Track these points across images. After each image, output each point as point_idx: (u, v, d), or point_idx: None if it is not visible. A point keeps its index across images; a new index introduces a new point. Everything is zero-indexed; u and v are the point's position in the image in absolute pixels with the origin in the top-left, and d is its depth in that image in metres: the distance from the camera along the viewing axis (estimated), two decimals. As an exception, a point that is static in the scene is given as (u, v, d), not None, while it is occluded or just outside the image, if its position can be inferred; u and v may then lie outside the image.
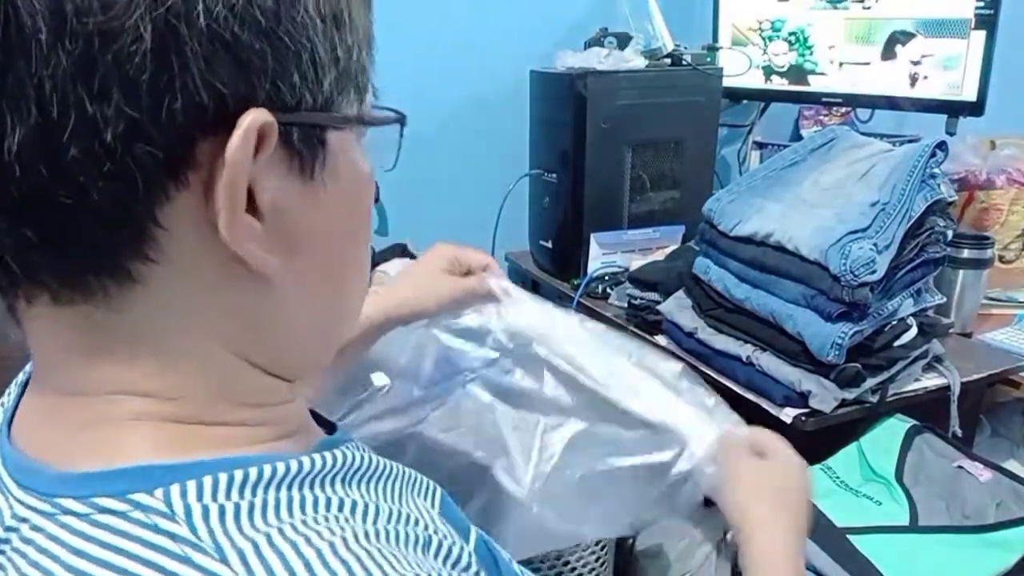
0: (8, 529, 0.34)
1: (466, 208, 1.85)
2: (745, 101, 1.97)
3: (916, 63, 1.59)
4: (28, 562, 0.32)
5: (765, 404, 1.15)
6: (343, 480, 0.38)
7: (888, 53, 1.63)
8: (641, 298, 1.44)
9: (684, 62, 1.67)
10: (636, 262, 1.57)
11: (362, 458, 0.40)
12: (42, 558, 0.32)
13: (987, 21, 1.46)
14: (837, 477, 1.11)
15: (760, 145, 1.97)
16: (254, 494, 0.33)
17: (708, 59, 1.72)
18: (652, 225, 1.69)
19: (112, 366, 0.35)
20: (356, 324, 0.46)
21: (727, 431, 0.72)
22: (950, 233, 1.15)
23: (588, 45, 1.70)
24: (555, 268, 1.78)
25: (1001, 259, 1.66)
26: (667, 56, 1.68)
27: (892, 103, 1.66)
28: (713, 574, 1.54)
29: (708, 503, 0.71)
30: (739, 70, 1.83)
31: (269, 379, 0.39)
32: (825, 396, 1.08)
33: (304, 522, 0.33)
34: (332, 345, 0.44)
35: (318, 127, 0.35)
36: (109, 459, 0.33)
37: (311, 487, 0.35)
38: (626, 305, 1.49)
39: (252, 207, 0.33)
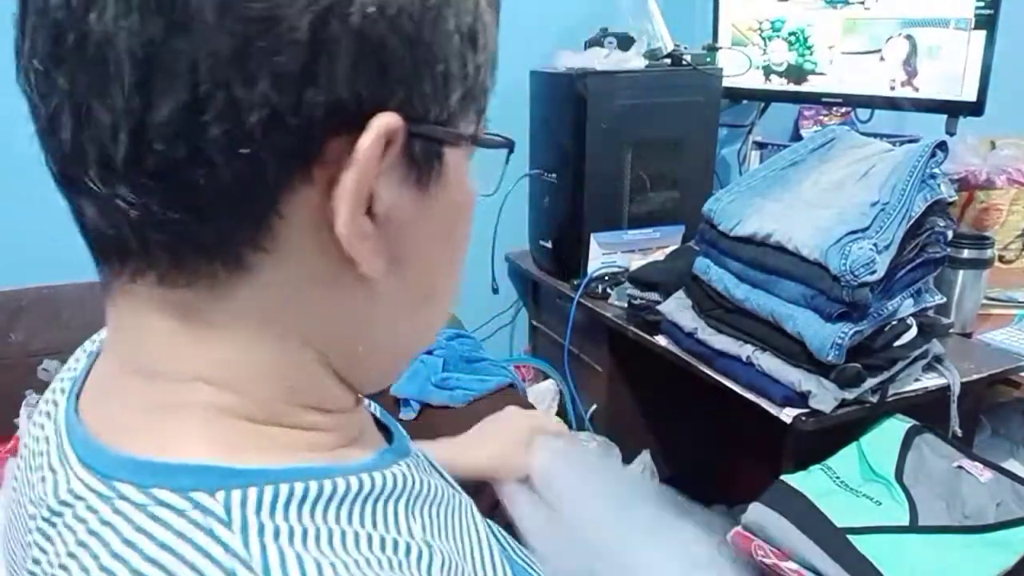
0: (63, 503, 0.34)
1: (466, 208, 1.85)
2: (745, 101, 1.97)
3: (915, 63, 1.59)
4: (76, 541, 0.32)
5: (765, 404, 1.15)
6: (403, 503, 0.38)
7: (888, 53, 1.63)
8: (641, 298, 1.44)
9: (684, 62, 1.67)
10: (636, 262, 1.57)
11: (421, 481, 0.41)
12: (91, 540, 0.32)
13: (987, 21, 1.46)
14: (837, 477, 1.11)
15: (760, 145, 1.98)
16: (312, 515, 0.33)
17: (708, 59, 1.72)
18: (652, 225, 1.69)
19: (194, 352, 0.35)
20: (431, 341, 0.46)
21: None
22: (950, 233, 1.15)
23: (588, 45, 1.70)
24: (555, 268, 1.78)
25: (1001, 259, 1.66)
26: (667, 56, 1.68)
27: (892, 103, 1.66)
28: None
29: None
30: (739, 70, 1.83)
31: (341, 387, 0.40)
32: (825, 396, 1.08)
33: (357, 562, 0.32)
34: (407, 361, 0.45)
35: (439, 141, 0.35)
36: (171, 449, 0.33)
37: (361, 514, 0.35)
38: (626, 305, 1.49)
39: (368, 209, 0.33)
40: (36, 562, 0.34)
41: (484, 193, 0.43)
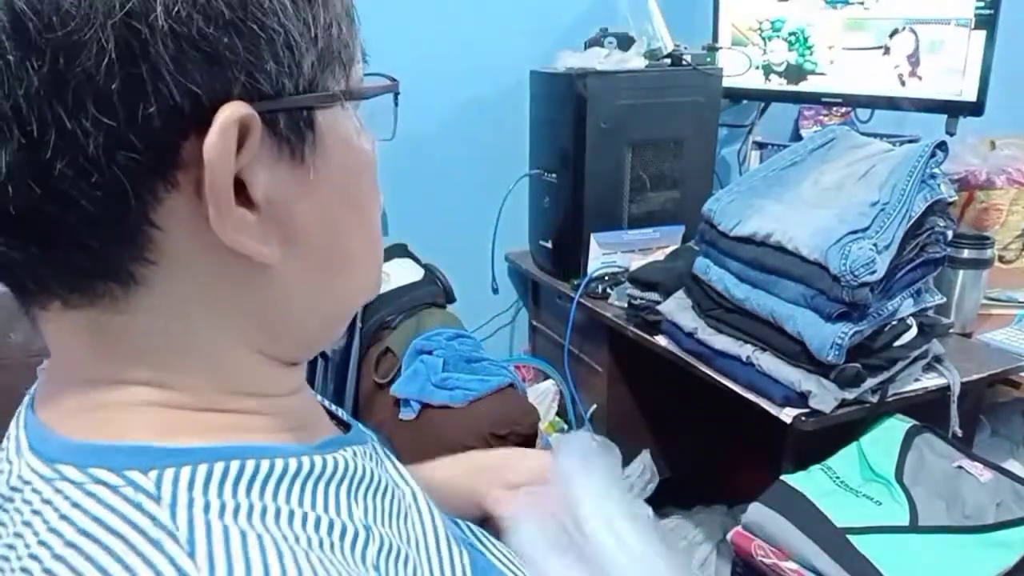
0: (13, 489, 0.35)
1: (466, 208, 1.85)
2: (745, 101, 1.97)
3: (915, 63, 1.59)
4: (22, 521, 0.33)
5: (765, 404, 1.15)
6: (344, 487, 0.38)
7: (887, 53, 1.63)
8: (641, 298, 1.44)
9: (684, 62, 1.67)
10: (636, 262, 1.57)
11: (365, 468, 0.41)
12: (34, 519, 0.33)
13: (987, 21, 1.46)
14: (837, 477, 1.11)
15: (760, 145, 1.98)
16: (248, 491, 0.34)
17: (708, 59, 1.72)
18: (652, 225, 1.69)
19: (117, 362, 0.36)
20: (373, 293, 0.45)
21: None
22: (950, 233, 1.15)
23: (588, 45, 1.70)
24: (555, 268, 1.78)
25: (1001, 259, 1.66)
26: (667, 56, 1.68)
27: (892, 103, 1.66)
28: (713, 574, 1.54)
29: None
30: (739, 70, 1.83)
31: (275, 368, 0.39)
32: (825, 396, 1.08)
33: (285, 538, 0.33)
34: (339, 325, 0.44)
35: (303, 110, 0.34)
36: (110, 433, 0.35)
37: (300, 494, 0.36)
38: (626, 305, 1.49)
39: (246, 200, 0.33)
40: None
41: (382, 138, 0.41)
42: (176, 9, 0.29)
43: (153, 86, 0.29)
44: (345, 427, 0.48)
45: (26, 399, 0.42)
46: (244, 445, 0.36)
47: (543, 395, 1.83)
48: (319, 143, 0.36)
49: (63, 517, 0.32)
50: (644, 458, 1.68)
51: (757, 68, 1.86)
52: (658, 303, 1.37)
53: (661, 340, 1.38)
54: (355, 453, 0.41)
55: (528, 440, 1.53)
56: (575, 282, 1.65)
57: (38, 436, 0.37)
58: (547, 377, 1.90)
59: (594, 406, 1.73)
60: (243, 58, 0.31)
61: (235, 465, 0.34)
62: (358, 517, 0.37)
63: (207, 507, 0.32)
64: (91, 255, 0.32)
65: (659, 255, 1.60)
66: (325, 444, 0.40)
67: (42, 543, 0.32)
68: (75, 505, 0.32)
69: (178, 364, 0.36)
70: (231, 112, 0.31)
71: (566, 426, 1.82)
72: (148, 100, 0.29)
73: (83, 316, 0.34)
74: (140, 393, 0.36)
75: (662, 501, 1.68)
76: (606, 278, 1.62)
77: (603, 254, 1.66)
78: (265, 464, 0.35)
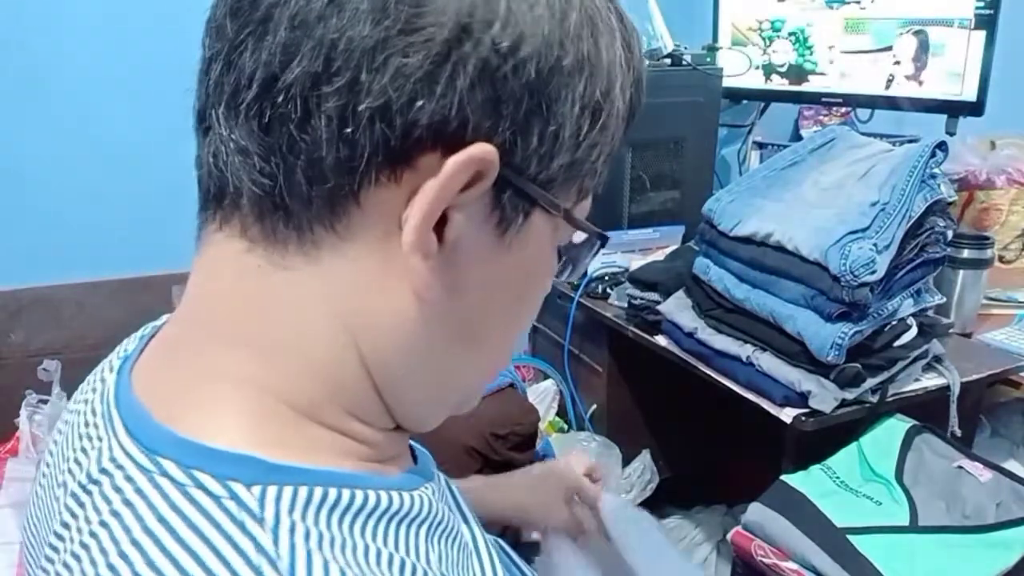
0: (103, 471, 0.34)
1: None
2: (745, 101, 1.97)
3: (915, 63, 1.59)
4: (110, 511, 0.32)
5: (765, 404, 1.15)
6: (424, 529, 0.38)
7: (887, 53, 1.63)
8: (641, 298, 1.44)
9: (684, 62, 1.67)
10: (636, 262, 1.57)
11: (440, 510, 0.41)
12: (125, 511, 0.32)
13: (987, 21, 1.46)
14: (837, 477, 1.11)
15: (760, 145, 1.98)
16: (340, 523, 0.34)
17: (708, 59, 1.72)
18: (652, 225, 1.69)
19: (253, 316, 0.36)
20: (472, 403, 0.46)
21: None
22: (950, 233, 1.15)
23: (588, 45, 1.70)
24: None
25: (1001, 259, 1.66)
26: (667, 56, 1.68)
27: (892, 103, 1.66)
28: (713, 574, 1.54)
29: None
30: (739, 70, 1.83)
31: (381, 406, 0.39)
32: (825, 396, 1.08)
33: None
34: (442, 409, 0.43)
35: (530, 199, 0.36)
36: (216, 430, 0.34)
37: (386, 533, 0.36)
38: (626, 305, 1.49)
39: (439, 231, 0.34)
40: (66, 526, 0.35)
41: (567, 278, 0.44)
42: (502, 45, 0.32)
43: (442, 91, 0.32)
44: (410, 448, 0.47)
45: (115, 361, 0.42)
46: (341, 471, 0.35)
47: (543, 395, 1.83)
48: (523, 232, 0.37)
49: (160, 520, 0.31)
50: (644, 458, 1.68)
51: (757, 68, 1.86)
52: (658, 303, 1.37)
53: (661, 340, 1.38)
54: (433, 491, 0.41)
55: (528, 440, 1.53)
56: (575, 282, 1.65)
57: (135, 417, 0.36)
58: (547, 377, 1.90)
59: (594, 406, 1.73)
60: (519, 120, 0.33)
61: (332, 493, 0.34)
62: (435, 564, 0.37)
63: (307, 535, 0.32)
64: (295, 192, 0.33)
65: (659, 255, 1.60)
66: (408, 477, 0.40)
67: (135, 543, 0.31)
68: (174, 508, 0.31)
69: (302, 352, 0.36)
70: (485, 152, 0.33)
71: (566, 426, 1.82)
72: (430, 100, 0.32)
73: (250, 256, 0.35)
74: (253, 366, 0.35)
75: (662, 501, 1.68)
76: (606, 278, 1.62)
77: (603, 254, 1.66)
78: (360, 496, 0.35)
